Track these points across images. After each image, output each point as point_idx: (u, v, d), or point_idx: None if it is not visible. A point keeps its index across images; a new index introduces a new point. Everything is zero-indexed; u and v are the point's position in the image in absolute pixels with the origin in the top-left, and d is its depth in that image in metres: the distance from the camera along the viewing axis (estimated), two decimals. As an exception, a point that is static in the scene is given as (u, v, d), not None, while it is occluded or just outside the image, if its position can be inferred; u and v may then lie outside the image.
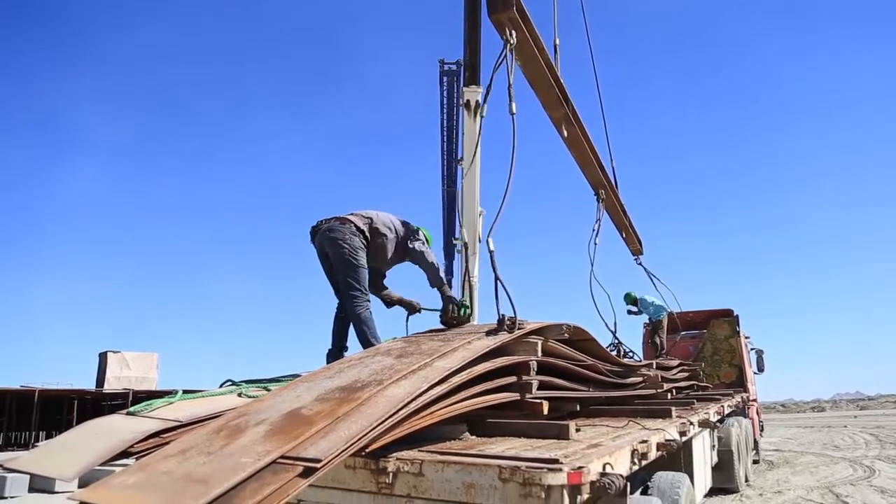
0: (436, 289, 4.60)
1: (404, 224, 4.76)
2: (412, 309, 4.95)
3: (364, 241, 4.46)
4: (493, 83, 4.45)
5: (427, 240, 4.90)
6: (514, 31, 4.53)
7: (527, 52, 5.06)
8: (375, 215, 4.63)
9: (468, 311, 4.63)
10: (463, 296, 4.90)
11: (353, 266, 4.36)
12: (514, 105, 4.44)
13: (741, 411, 10.16)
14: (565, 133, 6.10)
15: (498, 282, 3.84)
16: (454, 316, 4.47)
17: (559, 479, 2.16)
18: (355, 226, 4.45)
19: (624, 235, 9.83)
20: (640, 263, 11.10)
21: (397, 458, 2.49)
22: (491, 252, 4.38)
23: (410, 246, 4.67)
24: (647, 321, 12.23)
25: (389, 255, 4.65)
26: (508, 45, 4.46)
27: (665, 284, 11.28)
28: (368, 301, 4.45)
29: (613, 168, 9.17)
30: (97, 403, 23.05)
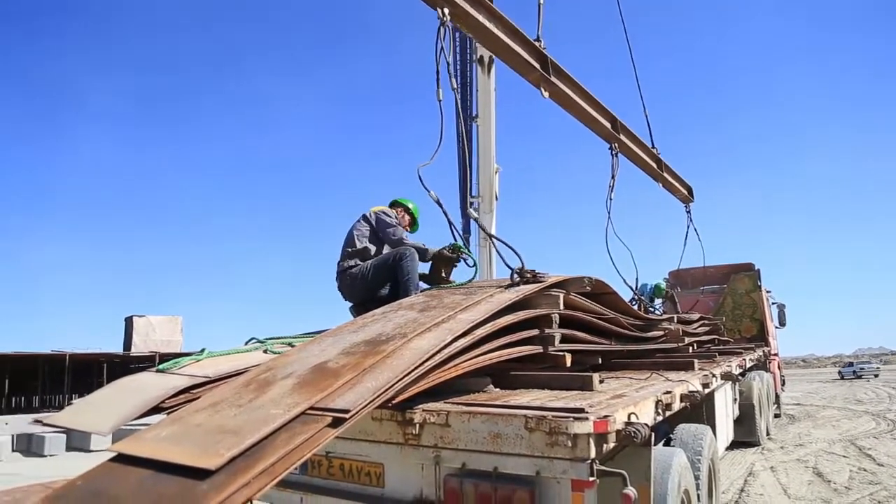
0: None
1: (374, 223, 4.82)
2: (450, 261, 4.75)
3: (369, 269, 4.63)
4: (445, 62, 4.21)
5: (405, 207, 5.10)
6: (446, 9, 4.35)
7: (472, 24, 4.87)
8: (350, 253, 4.75)
9: (462, 250, 4.60)
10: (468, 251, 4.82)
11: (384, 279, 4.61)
12: (454, 82, 4.30)
13: (762, 366, 10.14)
14: (545, 94, 5.93)
15: (493, 241, 3.93)
16: (454, 252, 4.51)
17: (585, 427, 2.17)
18: (349, 269, 4.67)
19: (661, 185, 9.60)
20: (688, 212, 10.83)
21: (423, 410, 2.51)
22: (476, 219, 5.21)
23: (383, 237, 4.78)
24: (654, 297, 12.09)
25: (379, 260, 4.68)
26: (443, 23, 4.29)
27: (700, 239, 11.08)
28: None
29: (647, 118, 9.00)
30: (125, 366, 23.64)
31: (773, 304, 12.87)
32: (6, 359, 21.48)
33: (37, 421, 2.80)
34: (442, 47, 4.10)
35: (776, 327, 12.84)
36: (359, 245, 4.72)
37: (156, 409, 2.60)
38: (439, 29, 4.18)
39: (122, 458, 1.78)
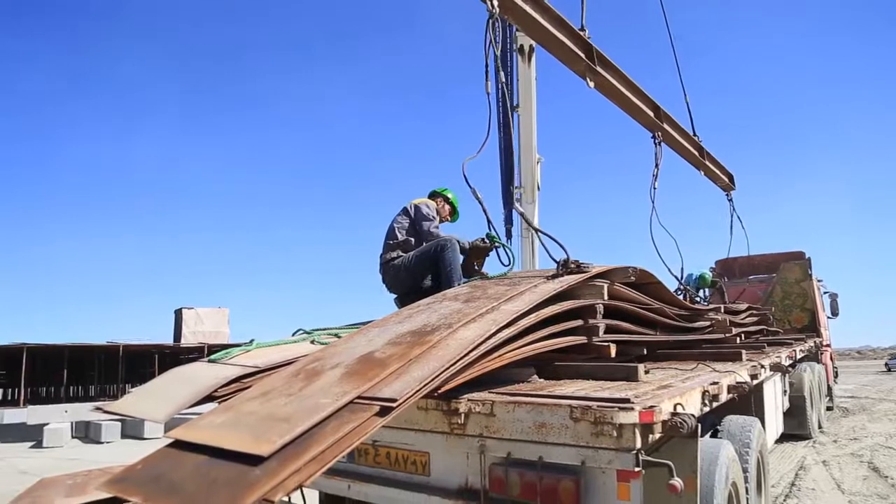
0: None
1: (411, 216, 4.90)
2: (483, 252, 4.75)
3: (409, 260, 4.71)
4: (493, 55, 4.08)
5: (447, 199, 5.19)
6: (495, 0, 4.28)
7: (520, 15, 4.80)
8: (392, 245, 4.83)
9: (496, 241, 4.57)
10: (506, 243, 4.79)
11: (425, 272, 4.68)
12: (502, 74, 4.22)
13: (814, 357, 9.86)
14: (591, 84, 5.85)
15: (539, 233, 3.95)
16: (485, 242, 4.52)
17: (631, 417, 2.16)
18: (391, 260, 4.75)
19: (703, 173, 9.45)
20: (730, 200, 10.62)
21: (469, 400, 2.53)
22: (521, 213, 5.45)
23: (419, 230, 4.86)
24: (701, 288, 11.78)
25: (420, 252, 4.74)
26: (491, 14, 4.21)
27: (744, 226, 10.81)
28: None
29: (688, 104, 8.86)
30: (175, 357, 24.29)
31: (824, 293, 12.47)
32: (65, 349, 22.37)
33: (97, 408, 2.93)
34: (492, 40, 4.08)
35: (828, 317, 12.46)
36: (400, 237, 4.77)
37: (208, 398, 2.69)
38: (488, 21, 4.16)
39: (178, 445, 1.86)
